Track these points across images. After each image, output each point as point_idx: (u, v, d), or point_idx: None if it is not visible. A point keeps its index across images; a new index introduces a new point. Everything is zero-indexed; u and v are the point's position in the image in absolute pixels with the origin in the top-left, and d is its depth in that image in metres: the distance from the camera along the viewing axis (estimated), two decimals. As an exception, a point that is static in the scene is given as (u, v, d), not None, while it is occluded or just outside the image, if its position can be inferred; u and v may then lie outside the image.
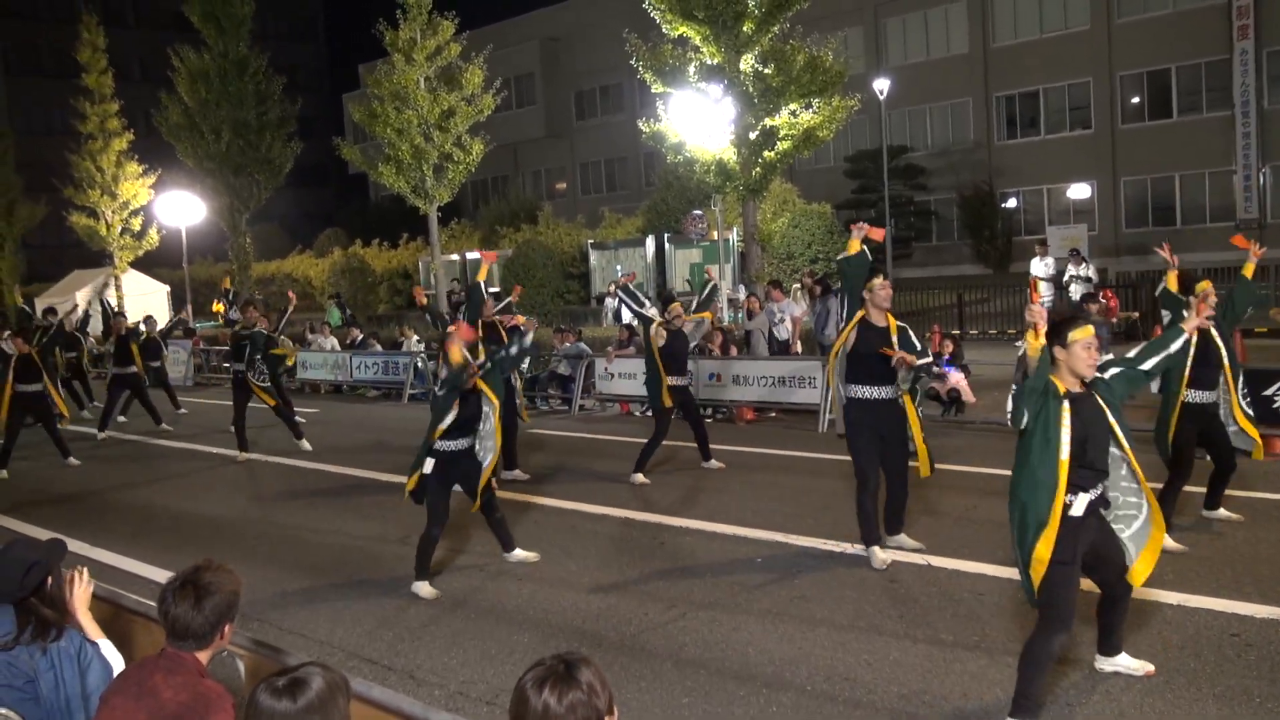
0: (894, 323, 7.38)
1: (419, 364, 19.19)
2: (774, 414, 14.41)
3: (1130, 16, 33.28)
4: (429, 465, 7.38)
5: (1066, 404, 4.67)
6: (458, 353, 7.25)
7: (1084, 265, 18.94)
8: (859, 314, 7.39)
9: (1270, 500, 8.53)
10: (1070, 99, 35.26)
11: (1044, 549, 4.64)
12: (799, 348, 16.03)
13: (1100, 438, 4.75)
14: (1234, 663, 5.42)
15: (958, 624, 6.13)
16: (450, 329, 7.73)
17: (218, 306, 34.44)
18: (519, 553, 7.96)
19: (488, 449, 7.61)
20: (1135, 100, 33.92)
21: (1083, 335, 4.70)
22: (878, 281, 7.41)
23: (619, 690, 4.34)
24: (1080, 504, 4.73)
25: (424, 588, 7.33)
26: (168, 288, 37.24)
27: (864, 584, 6.97)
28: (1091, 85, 34.34)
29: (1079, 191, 34.14)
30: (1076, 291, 18.84)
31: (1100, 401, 4.78)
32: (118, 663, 3.74)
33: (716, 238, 21.05)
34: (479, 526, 8.99)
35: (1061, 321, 4.82)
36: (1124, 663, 5.32)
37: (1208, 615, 6.04)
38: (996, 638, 5.90)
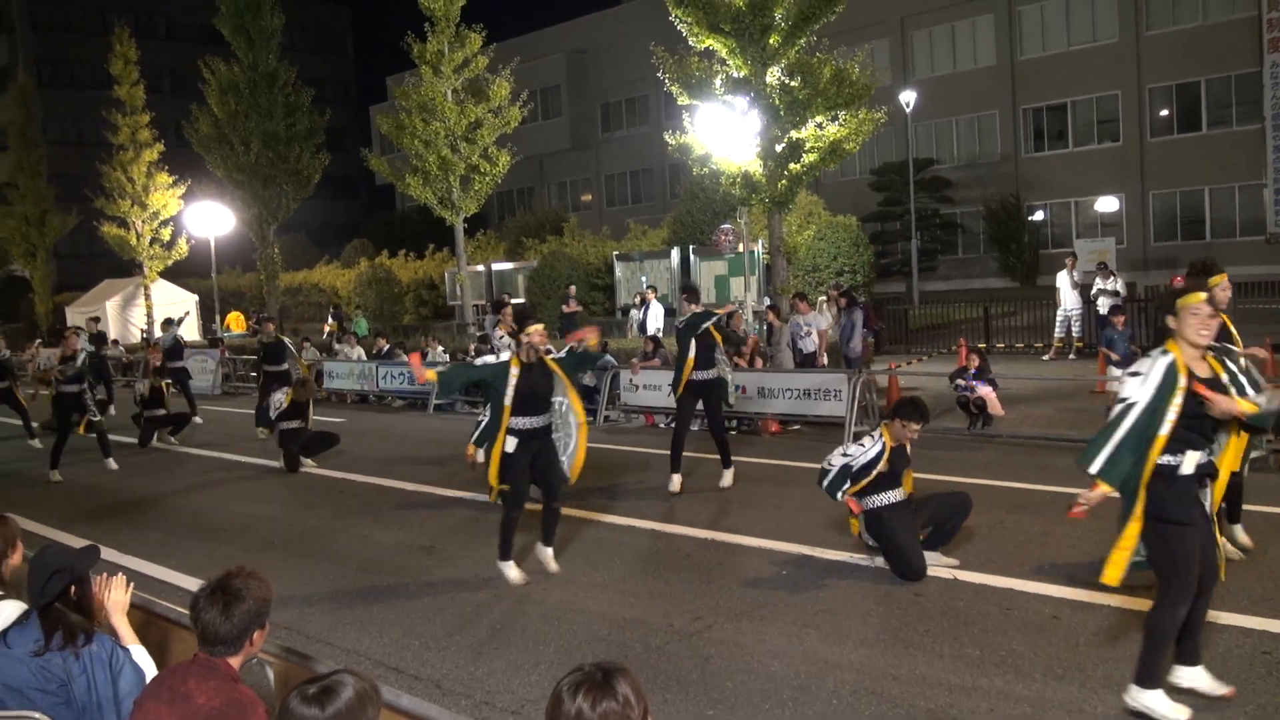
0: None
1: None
2: (797, 426, 14.38)
3: (1159, 29, 33.13)
4: (511, 444, 7.56)
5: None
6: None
7: (1111, 279, 18.81)
8: None
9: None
10: (1098, 112, 35.11)
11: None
12: (825, 360, 16.00)
13: None
14: (1265, 681, 5.36)
15: (984, 639, 6.09)
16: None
17: (236, 321, 34.78)
18: (548, 554, 7.97)
19: (569, 436, 7.85)
20: (1164, 113, 33.74)
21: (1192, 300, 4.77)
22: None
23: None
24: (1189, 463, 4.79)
25: (510, 569, 7.68)
26: (196, 297, 37.58)
27: (890, 597, 6.94)
28: (1120, 98, 34.19)
29: (1107, 205, 33.96)
30: (1103, 305, 18.72)
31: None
32: (149, 668, 3.78)
33: (742, 250, 21.04)
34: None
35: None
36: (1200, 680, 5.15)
37: (1238, 633, 5.98)
38: (1023, 653, 5.86)
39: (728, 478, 10.67)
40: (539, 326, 7.68)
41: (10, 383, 16.80)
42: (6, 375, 16.77)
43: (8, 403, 16.77)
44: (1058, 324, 19.49)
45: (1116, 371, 12.14)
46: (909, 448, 7.66)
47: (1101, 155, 34.78)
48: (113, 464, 13.81)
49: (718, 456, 11.04)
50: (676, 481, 10.52)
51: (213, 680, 3.08)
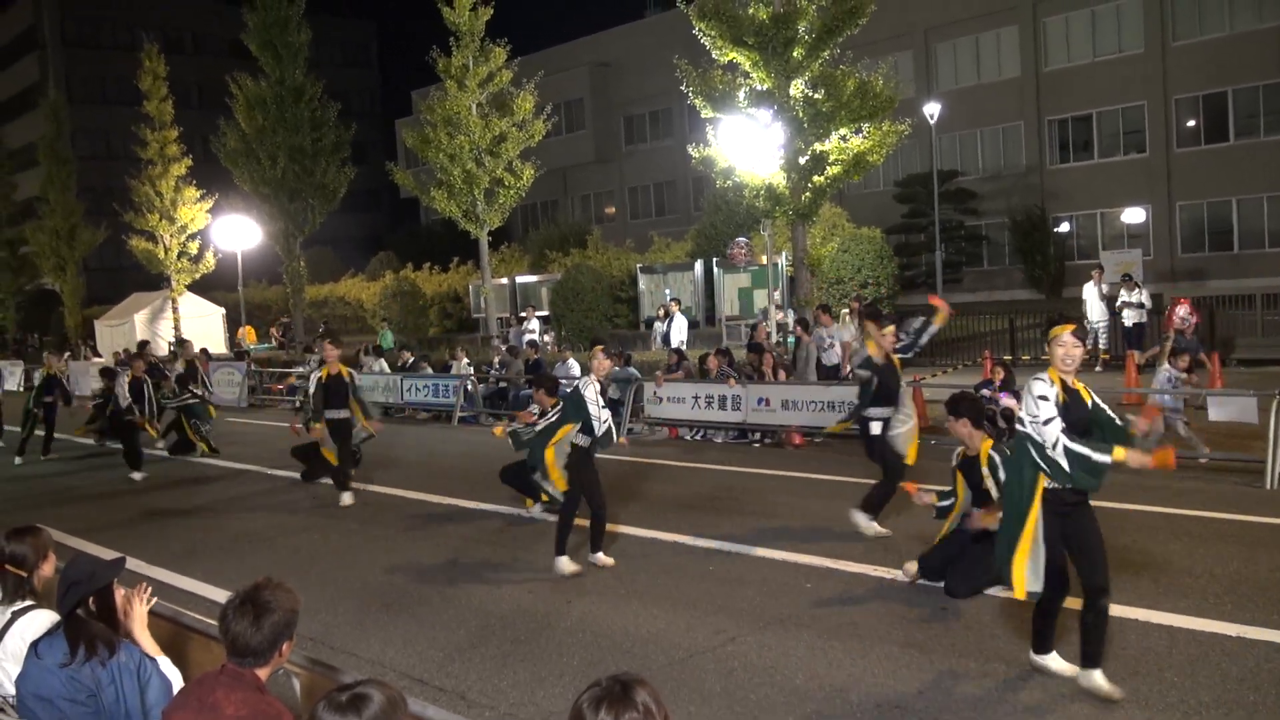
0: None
1: (469, 386, 19.33)
2: (819, 439, 14.34)
3: (1186, 39, 32.93)
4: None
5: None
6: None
7: (1137, 291, 18.69)
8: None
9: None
10: (1124, 122, 34.92)
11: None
12: (849, 371, 15.95)
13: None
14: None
15: (1013, 652, 6.06)
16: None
17: (249, 335, 34.97)
18: (600, 556, 8.50)
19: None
20: (1191, 124, 33.51)
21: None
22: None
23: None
24: None
25: (564, 563, 8.28)
26: (223, 310, 37.86)
27: (916, 610, 6.91)
28: (1146, 109, 33.99)
29: (1133, 216, 33.74)
30: (1129, 318, 18.60)
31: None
32: (176, 679, 3.81)
33: (765, 262, 21.04)
34: (527, 549, 9.03)
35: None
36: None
37: (1269, 648, 5.93)
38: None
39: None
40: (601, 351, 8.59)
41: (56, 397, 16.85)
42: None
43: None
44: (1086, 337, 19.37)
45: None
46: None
47: (1127, 166, 34.57)
48: (138, 476, 13.95)
49: (743, 470, 11.04)
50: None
51: (240, 691, 3.10)
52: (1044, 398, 5.35)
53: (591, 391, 8.27)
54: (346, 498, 11.51)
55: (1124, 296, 18.65)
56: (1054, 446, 5.26)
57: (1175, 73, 33.05)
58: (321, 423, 11.32)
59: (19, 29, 64.34)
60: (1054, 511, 5.39)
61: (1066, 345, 5.46)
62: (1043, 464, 5.32)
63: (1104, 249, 31.81)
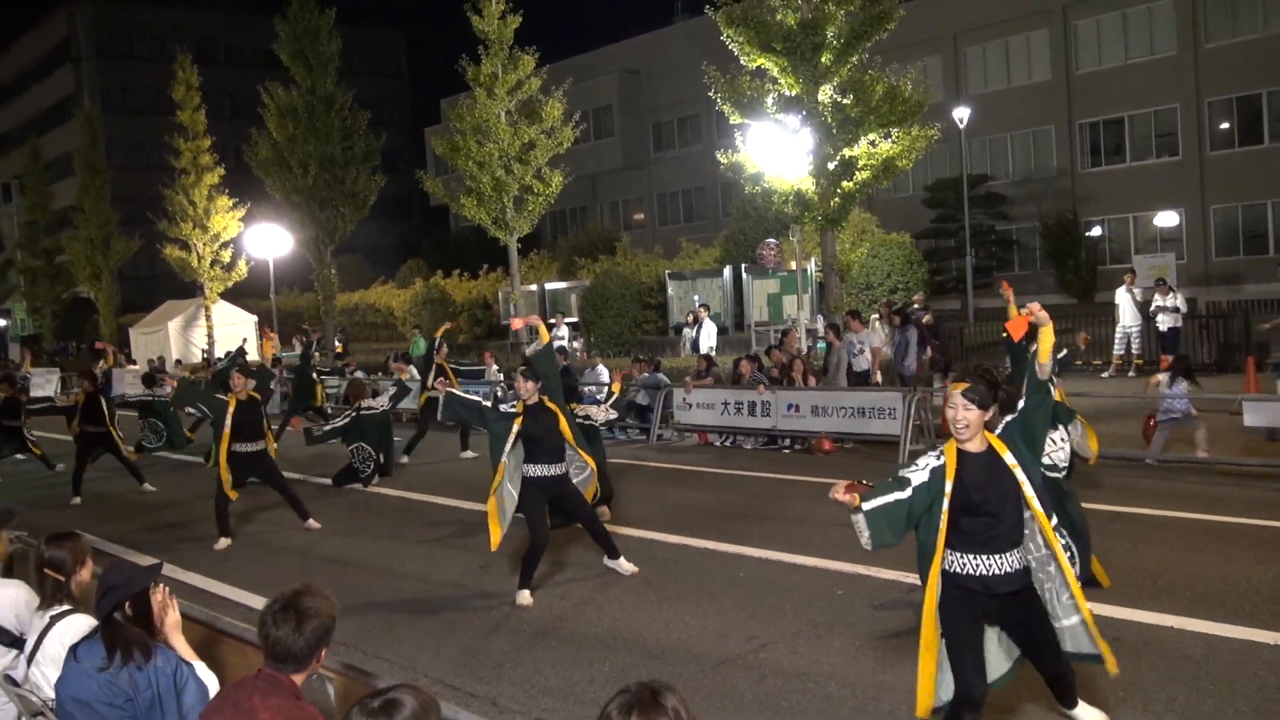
0: None
1: (499, 393, 19.37)
2: (849, 445, 14.29)
3: (1219, 41, 32.60)
4: None
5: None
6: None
7: (1171, 295, 18.50)
8: None
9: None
10: (1156, 125, 34.59)
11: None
12: (879, 378, 15.90)
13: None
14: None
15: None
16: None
17: (267, 348, 35.23)
18: (624, 563, 8.39)
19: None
20: (1224, 126, 33.16)
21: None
22: None
23: (701, 721, 4.32)
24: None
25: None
26: (255, 318, 38.18)
27: (947, 618, 6.87)
28: (1179, 111, 33.67)
29: (1166, 220, 33.41)
30: (1163, 322, 18.43)
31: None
32: (212, 683, 3.85)
33: (794, 268, 20.99)
34: (557, 555, 9.04)
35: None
36: None
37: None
38: (1083, 677, 5.76)
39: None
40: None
41: (20, 421, 16.10)
42: (18, 413, 16.15)
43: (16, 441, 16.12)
44: (1117, 340, 19.19)
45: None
46: None
47: (1160, 169, 34.25)
48: (148, 486, 14.05)
49: (773, 476, 11.02)
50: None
51: (276, 696, 3.13)
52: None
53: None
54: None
55: (1158, 301, 18.48)
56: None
57: (1208, 75, 32.71)
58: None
59: (54, 41, 65.21)
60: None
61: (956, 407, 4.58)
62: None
63: (1136, 253, 31.50)
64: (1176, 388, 11.58)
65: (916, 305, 18.51)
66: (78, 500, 13.30)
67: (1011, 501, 4.53)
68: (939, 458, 4.60)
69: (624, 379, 14.97)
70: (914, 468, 4.65)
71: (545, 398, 7.99)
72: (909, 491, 4.56)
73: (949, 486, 4.50)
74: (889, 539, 4.59)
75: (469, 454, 15.29)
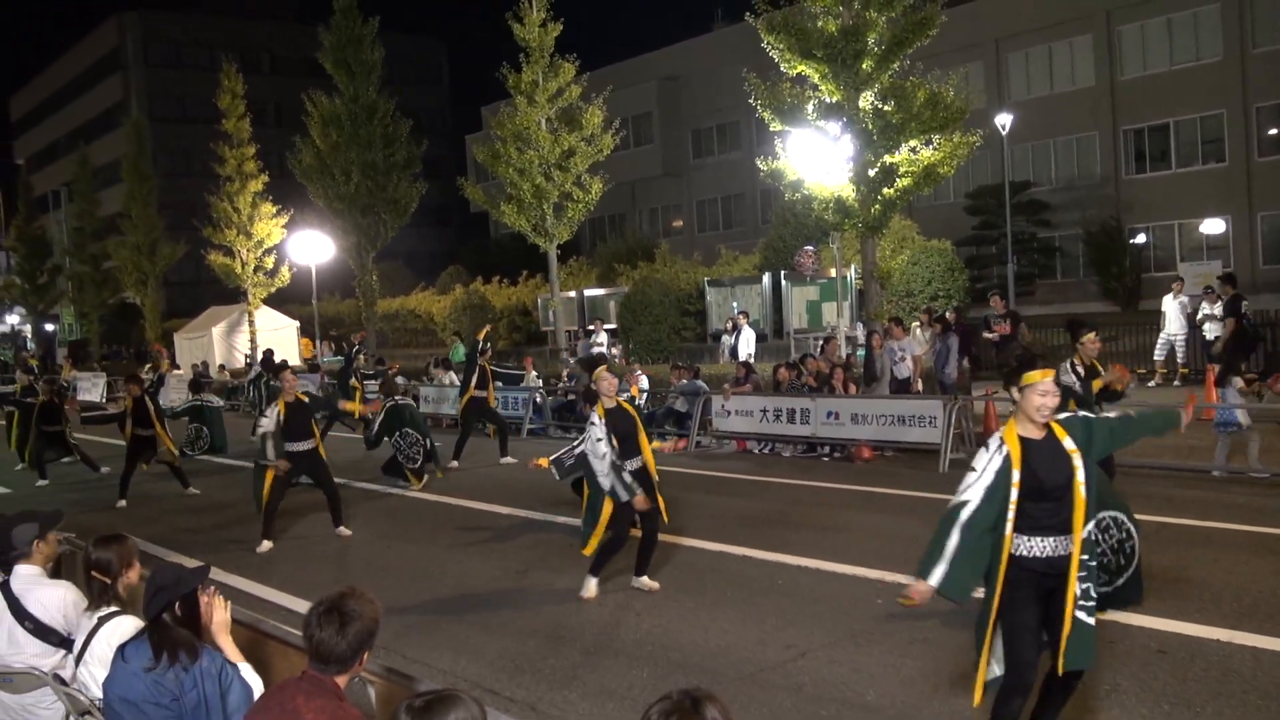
0: None
1: (537, 399, 19.46)
2: (888, 453, 14.20)
3: (1266, 46, 32.15)
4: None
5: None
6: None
7: (1219, 303, 18.23)
8: None
9: None
10: (1203, 131, 34.17)
11: None
12: (919, 386, 15.79)
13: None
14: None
15: (1090, 673, 5.93)
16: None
17: (305, 348, 35.58)
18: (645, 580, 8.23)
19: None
20: (1272, 132, 32.69)
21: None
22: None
23: (740, 728, 4.32)
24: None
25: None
26: (297, 323, 38.56)
27: (988, 628, 6.81)
28: (1225, 117, 33.24)
29: (1213, 227, 32.94)
30: (1210, 331, 18.16)
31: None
32: (257, 685, 3.89)
33: (834, 275, 20.90)
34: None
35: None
36: None
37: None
38: (1128, 687, 5.70)
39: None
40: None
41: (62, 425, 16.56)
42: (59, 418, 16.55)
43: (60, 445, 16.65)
44: (1158, 348, 18.92)
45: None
46: None
47: (1206, 176, 33.82)
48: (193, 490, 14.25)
49: (812, 483, 10.99)
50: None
51: (320, 698, 3.16)
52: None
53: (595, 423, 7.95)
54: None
55: (1205, 309, 18.21)
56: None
57: (1255, 80, 32.27)
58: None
59: (103, 51, 66.31)
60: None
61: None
62: None
63: (1182, 260, 31.13)
64: (1229, 395, 11.43)
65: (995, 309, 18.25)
66: (123, 503, 13.48)
67: (1070, 485, 4.58)
68: (1000, 449, 4.61)
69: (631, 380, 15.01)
70: (967, 485, 4.66)
71: (620, 398, 8.18)
72: (968, 513, 4.61)
73: (1017, 475, 4.54)
74: (979, 572, 4.70)
75: (508, 460, 15.35)
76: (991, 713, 4.70)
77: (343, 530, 10.91)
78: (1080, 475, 4.57)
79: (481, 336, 16.33)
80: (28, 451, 17.04)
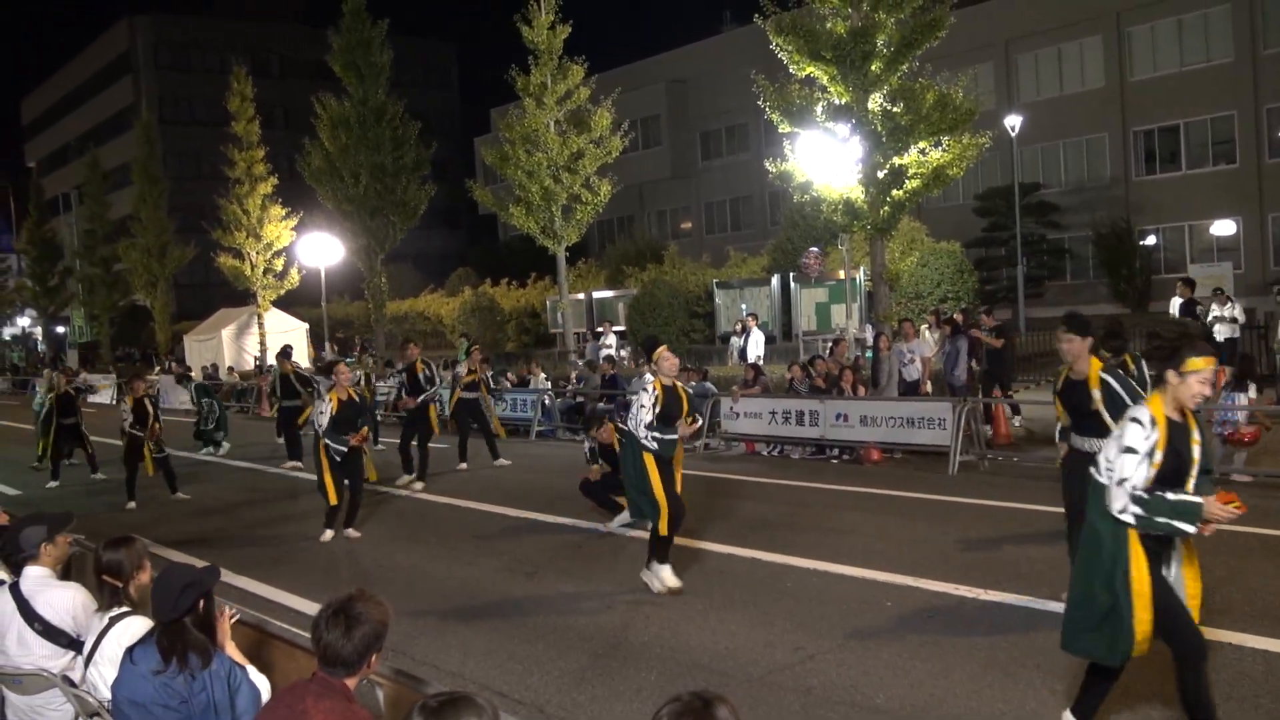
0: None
1: (546, 401, 19.47)
2: (898, 455, 14.18)
3: (1277, 47, 32.04)
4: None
5: None
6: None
7: (1229, 305, 18.18)
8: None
9: None
10: (1213, 133, 34.05)
11: None
12: (929, 388, 15.76)
13: None
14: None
15: (1098, 675, 5.91)
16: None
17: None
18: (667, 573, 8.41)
19: None
20: (1284, 133, 32.60)
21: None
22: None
23: (749, 731, 4.31)
24: None
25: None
26: (306, 325, 38.62)
27: (998, 630, 6.79)
28: (1236, 118, 33.12)
29: (1223, 228, 32.80)
30: (1220, 333, 18.10)
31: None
32: (264, 687, 3.89)
33: (842, 276, 20.88)
34: (604, 563, 9.05)
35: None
36: None
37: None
38: (1141, 691, 5.67)
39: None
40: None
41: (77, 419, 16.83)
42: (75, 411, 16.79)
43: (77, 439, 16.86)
44: None
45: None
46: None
47: (1217, 178, 33.70)
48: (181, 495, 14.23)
49: (821, 486, 10.97)
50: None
51: (329, 699, 3.16)
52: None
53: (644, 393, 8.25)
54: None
55: (1216, 311, 18.16)
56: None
57: (1266, 81, 32.15)
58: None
59: (114, 54, 66.51)
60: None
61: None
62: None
63: (1192, 262, 31.02)
64: (1231, 398, 11.38)
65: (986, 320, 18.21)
66: (133, 505, 13.52)
67: (1189, 471, 4.63)
68: (1155, 429, 4.56)
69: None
70: (1128, 465, 4.56)
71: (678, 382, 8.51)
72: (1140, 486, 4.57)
73: (1159, 456, 4.54)
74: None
75: (502, 462, 15.36)
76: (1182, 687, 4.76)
77: (351, 532, 10.93)
78: (1195, 452, 4.63)
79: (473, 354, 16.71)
80: (44, 445, 17.01)
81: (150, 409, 13.67)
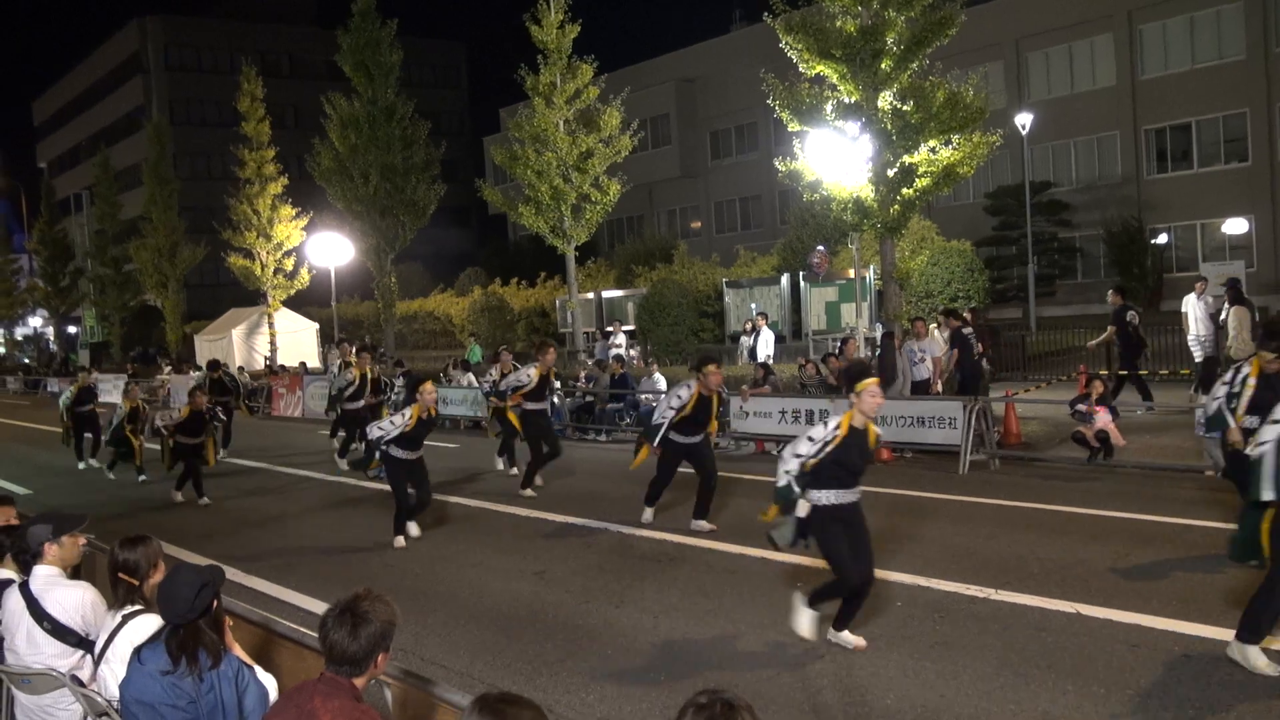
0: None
1: (555, 400, 19.44)
2: (908, 454, 14.12)
3: (1290, 45, 31.92)
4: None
5: None
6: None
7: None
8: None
9: None
10: (1225, 131, 33.92)
11: None
12: (939, 387, 15.70)
13: None
14: None
15: (1110, 676, 5.88)
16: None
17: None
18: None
19: None
20: (1296, 131, 32.44)
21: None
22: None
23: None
24: None
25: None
26: (316, 325, 38.70)
27: (1009, 631, 6.76)
28: (1248, 116, 32.99)
29: (1235, 227, 32.68)
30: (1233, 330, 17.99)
31: None
32: (272, 687, 3.88)
33: (852, 275, 20.82)
34: (613, 563, 9.04)
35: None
36: None
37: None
38: (1152, 691, 5.64)
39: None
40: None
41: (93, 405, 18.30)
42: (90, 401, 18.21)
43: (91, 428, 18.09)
44: (1195, 353, 18.67)
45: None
46: None
47: (1229, 176, 33.57)
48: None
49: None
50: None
51: (337, 699, 3.15)
52: None
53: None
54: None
55: (1228, 309, 18.04)
56: None
57: (1279, 79, 32.02)
58: None
59: (124, 56, 66.73)
60: None
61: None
62: None
63: (1204, 260, 30.90)
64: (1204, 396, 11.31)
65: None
66: (206, 500, 13.72)
67: None
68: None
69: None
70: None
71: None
72: None
73: None
74: None
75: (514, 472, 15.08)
76: None
77: (401, 540, 10.52)
78: None
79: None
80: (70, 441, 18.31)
81: (145, 411, 14.17)
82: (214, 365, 20.13)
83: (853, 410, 6.54)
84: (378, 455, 10.62)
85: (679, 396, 9.94)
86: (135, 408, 16.53)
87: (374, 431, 10.56)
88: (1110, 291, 18.36)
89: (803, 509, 6.44)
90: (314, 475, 15.62)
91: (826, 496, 6.46)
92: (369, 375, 15.55)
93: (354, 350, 17.14)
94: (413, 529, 10.74)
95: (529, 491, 12.71)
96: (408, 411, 10.42)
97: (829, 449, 6.38)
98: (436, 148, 33.10)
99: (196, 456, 13.89)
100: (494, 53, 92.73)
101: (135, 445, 16.05)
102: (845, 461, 6.46)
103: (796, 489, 6.44)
